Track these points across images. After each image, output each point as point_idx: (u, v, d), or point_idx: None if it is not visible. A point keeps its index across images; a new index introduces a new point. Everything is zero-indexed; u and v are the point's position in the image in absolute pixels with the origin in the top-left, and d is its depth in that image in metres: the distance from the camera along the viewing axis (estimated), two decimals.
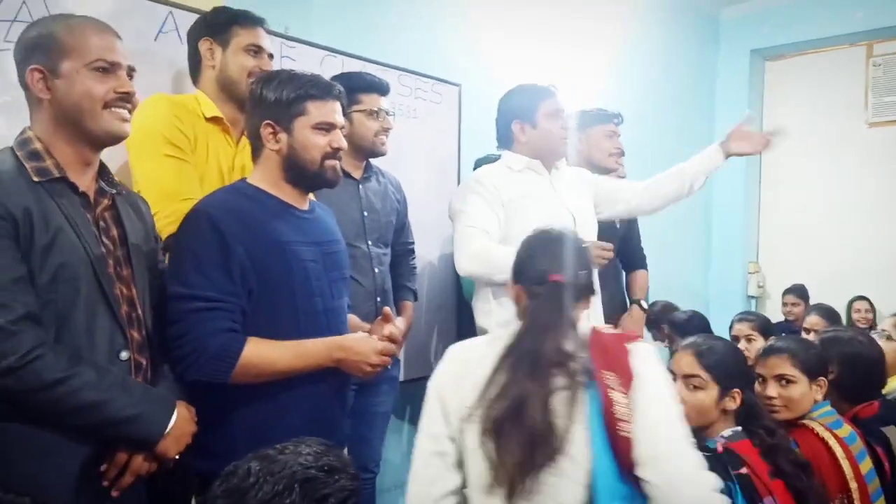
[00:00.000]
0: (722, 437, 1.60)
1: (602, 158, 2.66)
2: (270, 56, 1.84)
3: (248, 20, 1.80)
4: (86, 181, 1.29)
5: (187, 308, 1.36)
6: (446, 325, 2.83)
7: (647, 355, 1.26)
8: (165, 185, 1.63)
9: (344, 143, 1.54)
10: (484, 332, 2.24)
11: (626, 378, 1.20)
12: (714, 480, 1.18)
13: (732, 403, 1.62)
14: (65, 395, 1.15)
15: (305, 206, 1.57)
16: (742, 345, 2.50)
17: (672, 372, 1.64)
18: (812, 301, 3.95)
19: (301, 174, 1.51)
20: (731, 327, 2.70)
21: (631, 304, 2.82)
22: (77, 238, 1.22)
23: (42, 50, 1.22)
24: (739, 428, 1.62)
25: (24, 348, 1.11)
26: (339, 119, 1.53)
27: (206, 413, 1.42)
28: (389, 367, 1.62)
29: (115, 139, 1.30)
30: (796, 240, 4.66)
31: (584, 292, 1.32)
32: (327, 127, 1.49)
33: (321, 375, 1.51)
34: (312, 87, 1.48)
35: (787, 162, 4.73)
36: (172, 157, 1.67)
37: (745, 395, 1.64)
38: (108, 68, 1.25)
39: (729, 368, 1.65)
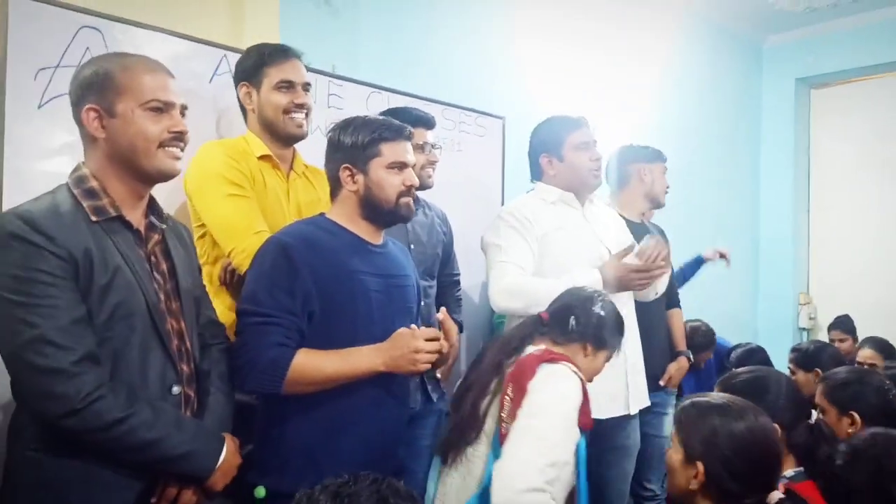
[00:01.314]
0: (784, 477, 1.51)
1: (660, 193, 2.71)
2: (306, 87, 1.84)
3: (275, 57, 1.80)
4: (137, 216, 1.31)
5: (248, 322, 1.46)
6: None
7: (547, 377, 1.49)
8: (235, 222, 1.68)
9: (416, 181, 1.61)
10: None
11: (520, 392, 1.47)
12: (520, 485, 1.32)
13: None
14: (123, 435, 1.17)
15: (379, 241, 1.64)
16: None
17: None
18: (863, 332, 3.80)
19: (377, 211, 1.59)
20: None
21: (679, 355, 2.78)
22: (133, 276, 1.24)
23: (97, 89, 1.24)
24: (801, 469, 1.54)
25: (86, 390, 1.13)
26: (411, 158, 1.61)
27: (262, 428, 1.48)
28: (437, 369, 1.63)
29: (168, 177, 1.32)
30: (848, 270, 4.53)
31: (546, 331, 1.65)
32: (400, 166, 1.58)
33: (377, 401, 1.54)
34: (385, 130, 1.57)
35: (837, 190, 4.62)
36: (236, 196, 1.72)
37: (794, 430, 1.55)
38: (162, 108, 1.27)
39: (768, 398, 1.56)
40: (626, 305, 2.17)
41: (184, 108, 1.32)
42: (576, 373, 1.52)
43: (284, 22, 2.25)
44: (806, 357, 2.60)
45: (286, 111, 1.80)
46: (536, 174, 2.29)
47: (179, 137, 1.30)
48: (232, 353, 1.45)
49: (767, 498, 1.29)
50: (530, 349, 1.61)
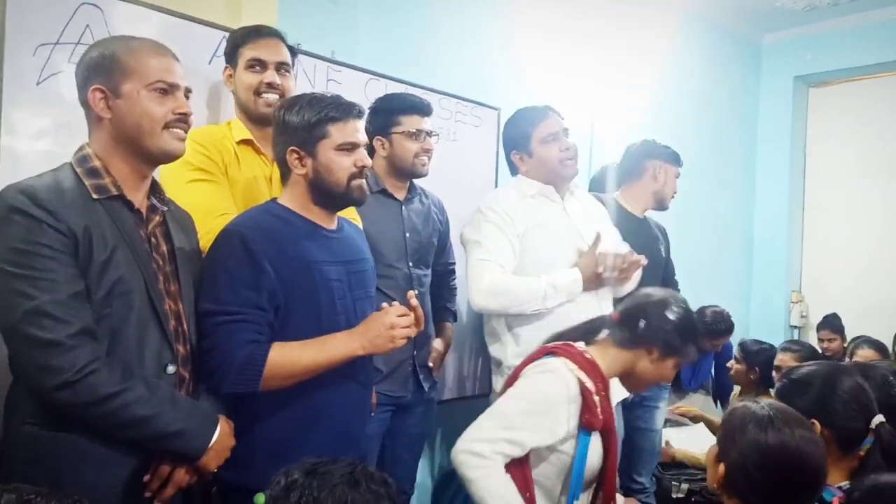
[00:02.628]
0: (840, 488, 1.41)
1: (668, 196, 2.72)
2: (281, 67, 1.78)
3: (248, 36, 1.77)
4: (139, 198, 1.33)
5: (215, 322, 1.40)
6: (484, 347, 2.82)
7: (537, 367, 1.58)
8: (199, 205, 1.64)
9: (368, 161, 1.55)
10: (499, 363, 2.21)
11: (514, 377, 1.62)
12: (464, 446, 1.47)
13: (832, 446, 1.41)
14: (117, 409, 1.18)
15: (333, 226, 1.60)
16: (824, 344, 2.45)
17: None
18: (853, 331, 3.82)
19: (328, 196, 1.54)
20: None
21: None
22: (132, 255, 1.25)
23: (103, 70, 1.26)
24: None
25: (81, 363, 1.15)
26: (362, 138, 1.54)
27: (234, 424, 1.44)
28: (413, 336, 1.57)
29: (172, 158, 1.34)
30: (842, 269, 4.54)
31: (612, 331, 1.67)
32: (350, 147, 1.51)
33: (343, 386, 1.53)
34: (332, 110, 1.49)
35: (832, 189, 4.64)
36: (201, 181, 1.70)
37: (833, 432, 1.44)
38: (167, 89, 1.29)
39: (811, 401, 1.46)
40: (605, 299, 2.19)
41: (188, 91, 1.34)
42: (573, 371, 1.53)
43: (283, 6, 2.25)
44: (747, 353, 2.95)
45: (256, 91, 1.75)
46: (513, 170, 2.29)
47: (184, 119, 1.32)
48: (202, 358, 1.40)
49: None
50: (579, 344, 1.62)
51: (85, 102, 1.29)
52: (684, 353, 1.63)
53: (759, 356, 2.90)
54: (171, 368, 1.30)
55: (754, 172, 4.75)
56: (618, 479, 2.23)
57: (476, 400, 2.67)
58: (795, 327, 4.65)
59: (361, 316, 1.57)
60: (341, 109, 1.50)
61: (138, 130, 1.27)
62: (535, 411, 1.50)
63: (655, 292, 1.70)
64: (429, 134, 2.16)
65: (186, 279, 1.39)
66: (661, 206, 2.73)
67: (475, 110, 2.85)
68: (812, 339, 4.40)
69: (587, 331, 1.69)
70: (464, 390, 2.74)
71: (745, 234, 4.69)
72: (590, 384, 1.52)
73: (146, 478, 1.25)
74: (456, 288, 2.47)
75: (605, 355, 1.61)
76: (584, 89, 3.41)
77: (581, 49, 3.34)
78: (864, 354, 2.97)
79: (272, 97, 1.75)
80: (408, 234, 2.17)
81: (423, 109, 2.17)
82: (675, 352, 1.61)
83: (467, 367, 2.76)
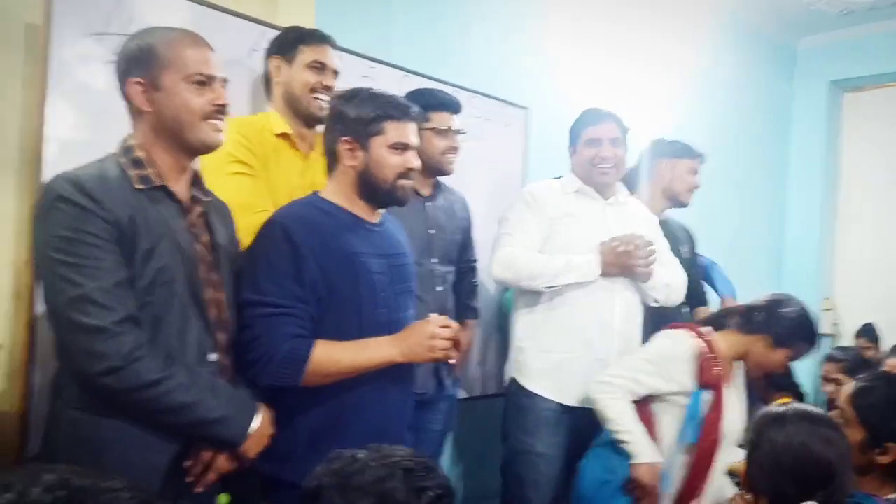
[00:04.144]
0: (888, 500, 1.42)
1: (682, 192, 2.66)
2: (335, 73, 1.87)
3: (314, 38, 1.84)
4: (181, 188, 1.34)
5: (258, 314, 1.40)
6: (507, 345, 2.82)
7: (661, 335, 2.07)
8: (237, 199, 1.66)
9: (417, 164, 1.57)
10: (520, 350, 2.25)
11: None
12: (597, 377, 1.98)
13: (885, 458, 1.43)
14: (160, 396, 1.19)
15: (376, 220, 1.60)
16: (830, 387, 2.42)
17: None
18: (886, 341, 3.76)
19: (374, 191, 1.54)
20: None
21: None
22: (174, 244, 1.27)
23: (142, 63, 1.27)
24: None
25: (126, 349, 1.16)
26: (414, 140, 1.56)
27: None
28: (452, 361, 1.60)
29: (211, 149, 1.35)
30: (874, 276, 4.47)
31: (738, 319, 2.06)
32: (402, 147, 1.52)
33: (384, 387, 1.52)
34: (392, 108, 1.51)
35: (866, 196, 4.56)
36: (241, 174, 1.72)
37: None
38: (205, 81, 1.30)
39: (881, 416, 1.45)
40: (620, 294, 2.19)
41: (224, 82, 1.35)
42: (695, 338, 1.97)
43: (320, 2, 2.27)
44: None
45: (313, 90, 1.82)
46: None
47: (221, 110, 1.33)
48: (242, 349, 1.41)
49: None
50: (705, 329, 2.03)
51: (125, 95, 1.30)
52: (794, 346, 1.95)
53: None
54: (212, 357, 1.32)
55: (786, 178, 4.68)
56: None
57: (498, 399, 2.67)
58: (827, 335, 4.57)
59: (403, 310, 1.57)
60: (400, 109, 1.52)
61: (178, 122, 1.28)
62: (655, 361, 1.97)
63: (782, 294, 2.04)
64: (457, 131, 2.17)
65: (227, 268, 1.40)
66: (676, 202, 2.66)
67: (504, 109, 2.85)
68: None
69: (713, 318, 2.12)
70: (486, 388, 2.73)
71: (776, 240, 4.63)
72: (705, 349, 1.93)
73: (187, 463, 1.27)
74: (478, 285, 2.47)
75: (727, 339, 2.01)
76: (615, 93, 3.38)
77: (613, 52, 3.32)
78: (893, 364, 2.93)
79: (324, 99, 1.81)
80: (432, 231, 2.17)
81: (453, 106, 2.17)
82: (784, 343, 1.94)
83: (490, 366, 2.76)
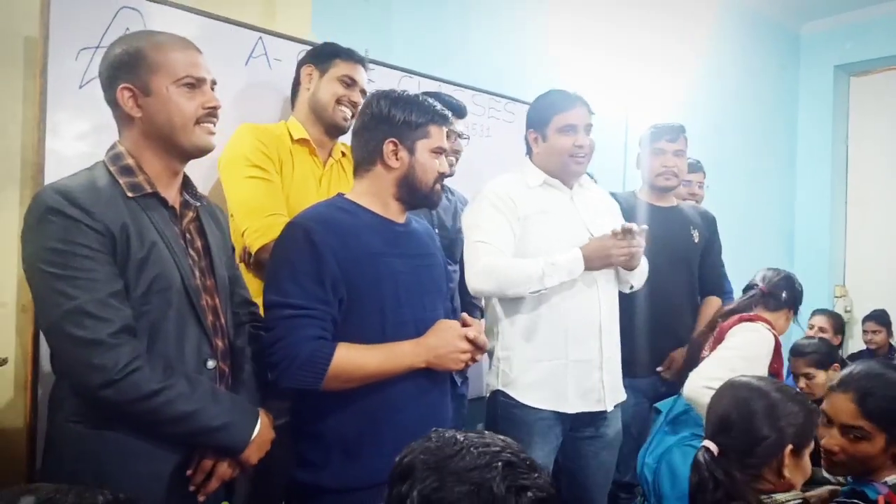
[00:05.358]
0: (885, 483, 1.37)
1: (650, 178, 2.54)
2: (364, 93, 1.93)
3: (350, 56, 1.93)
4: (172, 194, 1.33)
5: (280, 315, 1.38)
6: None
7: (742, 328, 2.10)
8: (252, 202, 1.71)
9: (448, 169, 1.58)
10: (506, 360, 2.04)
11: (721, 337, 2.12)
12: (701, 383, 1.92)
13: None
14: (160, 406, 1.18)
15: (402, 220, 1.58)
16: (801, 383, 2.39)
17: (825, 413, 1.49)
18: None
19: (413, 193, 1.54)
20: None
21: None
22: (168, 251, 1.25)
23: (130, 68, 1.24)
24: None
25: (123, 361, 1.15)
26: (447, 145, 1.60)
27: (300, 422, 1.45)
28: (476, 360, 1.57)
29: (204, 152, 1.33)
30: (886, 262, 4.42)
31: (764, 300, 2.24)
32: (441, 151, 1.55)
33: (420, 387, 1.50)
34: (437, 115, 1.54)
35: (876, 182, 4.51)
36: (257, 178, 1.75)
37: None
38: (195, 84, 1.28)
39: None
40: (604, 289, 2.05)
41: (213, 84, 1.33)
42: (769, 330, 2.07)
43: (318, 5, 2.26)
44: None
45: (339, 101, 1.89)
46: (527, 150, 2.16)
47: (213, 113, 1.31)
48: (265, 349, 1.40)
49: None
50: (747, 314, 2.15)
51: (113, 102, 1.27)
52: (797, 313, 2.28)
53: None
54: (210, 363, 1.31)
55: (795, 165, 4.64)
56: (611, 478, 2.18)
57: None
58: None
59: (430, 310, 1.55)
60: (442, 115, 1.55)
61: (170, 127, 1.26)
62: (747, 357, 2.00)
63: (778, 268, 2.32)
64: (459, 136, 2.19)
65: (221, 274, 1.39)
66: (656, 188, 2.52)
67: (508, 106, 2.84)
68: (856, 335, 4.29)
69: (746, 304, 2.22)
70: (484, 389, 2.70)
71: (786, 227, 4.59)
72: (777, 343, 2.07)
73: (189, 472, 1.26)
74: None
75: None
76: (619, 82, 3.36)
77: (616, 42, 3.30)
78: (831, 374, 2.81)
79: (348, 111, 1.91)
80: (437, 230, 2.17)
81: (458, 111, 2.19)
82: (796, 312, 2.26)
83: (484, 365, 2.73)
